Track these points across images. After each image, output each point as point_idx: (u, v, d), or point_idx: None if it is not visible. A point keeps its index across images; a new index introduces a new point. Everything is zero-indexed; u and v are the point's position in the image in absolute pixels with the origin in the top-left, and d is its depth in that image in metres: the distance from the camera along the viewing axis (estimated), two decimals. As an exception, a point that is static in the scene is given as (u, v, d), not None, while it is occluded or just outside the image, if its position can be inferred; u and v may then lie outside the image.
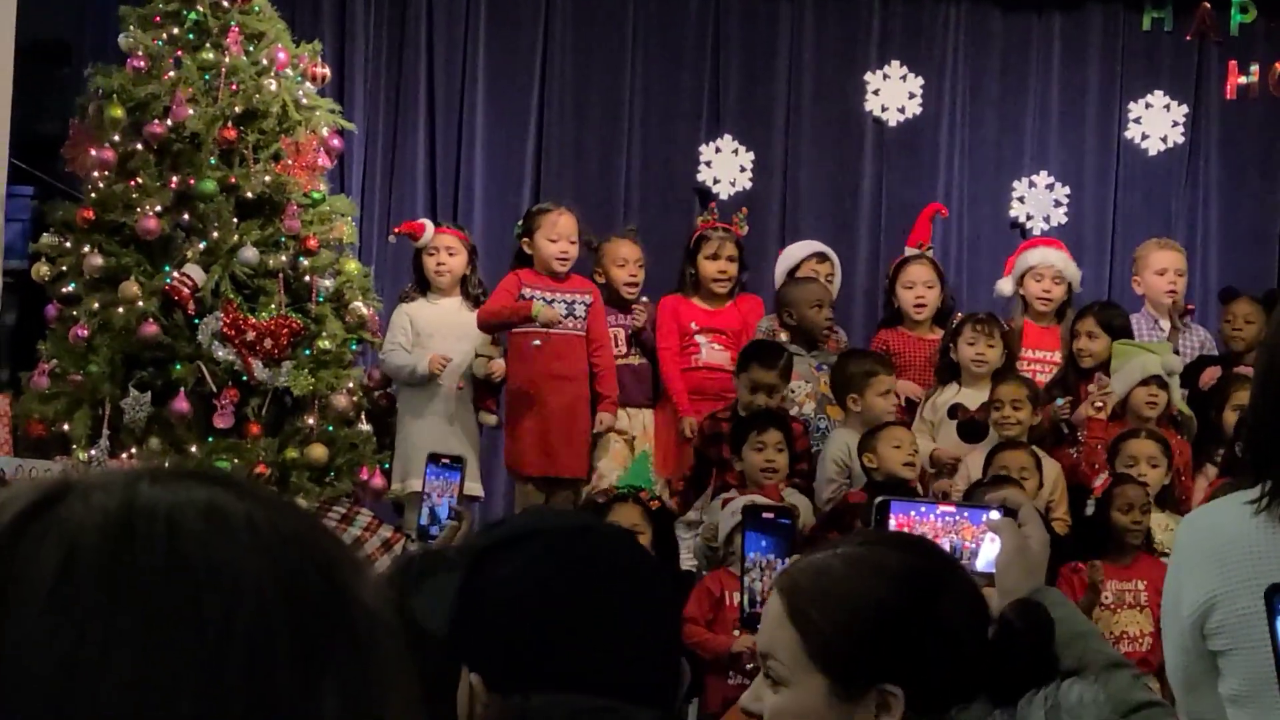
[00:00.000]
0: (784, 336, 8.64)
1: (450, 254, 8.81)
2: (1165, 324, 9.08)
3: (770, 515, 3.17)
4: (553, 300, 8.58)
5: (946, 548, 2.69)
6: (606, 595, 2.17)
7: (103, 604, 0.92)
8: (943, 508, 2.80)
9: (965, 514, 2.77)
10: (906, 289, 9.05)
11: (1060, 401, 8.28)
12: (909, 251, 9.32)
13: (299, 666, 0.94)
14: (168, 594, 0.93)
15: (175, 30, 8.59)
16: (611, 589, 2.18)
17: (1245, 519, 2.80)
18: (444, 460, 4.50)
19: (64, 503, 0.97)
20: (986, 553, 2.69)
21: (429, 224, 8.94)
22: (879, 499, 2.87)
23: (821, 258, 9.30)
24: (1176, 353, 8.65)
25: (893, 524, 2.78)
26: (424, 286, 8.84)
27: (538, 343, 8.57)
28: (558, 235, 8.71)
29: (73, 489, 0.98)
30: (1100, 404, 8.10)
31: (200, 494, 0.98)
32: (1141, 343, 8.48)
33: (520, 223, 8.97)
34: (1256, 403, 2.88)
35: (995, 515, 2.70)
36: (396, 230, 9.10)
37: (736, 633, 6.67)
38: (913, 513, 2.78)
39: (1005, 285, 9.31)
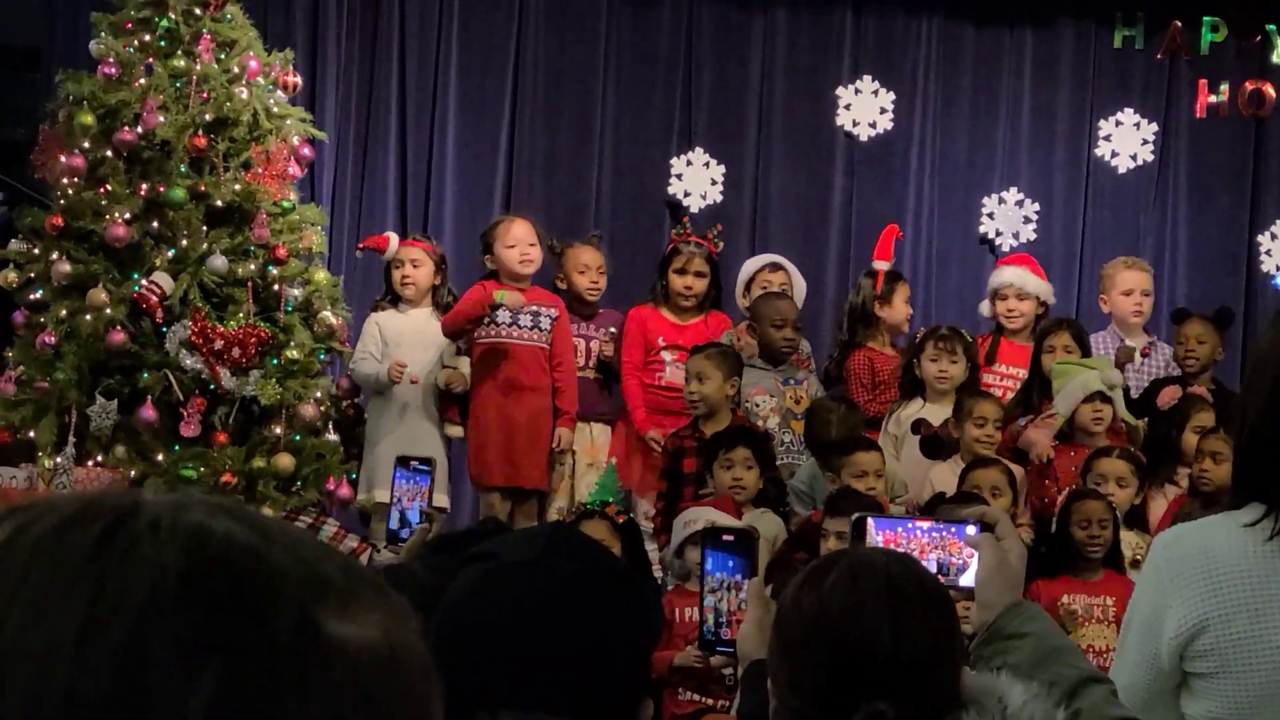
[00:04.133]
0: (743, 343, 8.63)
1: (415, 266, 8.80)
2: (1131, 343, 9.10)
3: (730, 538, 3.16)
4: (517, 313, 8.58)
5: (933, 565, 2.69)
6: (572, 616, 2.16)
7: (19, 573, 0.95)
8: (922, 524, 2.80)
9: (951, 530, 2.77)
10: (887, 304, 9.05)
11: (1022, 421, 8.28)
12: (879, 264, 9.26)
13: (182, 651, 0.94)
14: (76, 574, 0.95)
15: (146, 37, 8.56)
16: (578, 609, 2.17)
17: (1241, 542, 2.78)
18: (413, 463, 4.48)
19: (44, 503, 1.00)
20: (973, 568, 2.69)
21: (394, 237, 8.95)
22: (855, 516, 2.86)
23: (775, 267, 9.29)
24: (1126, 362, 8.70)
25: (878, 541, 2.77)
26: (396, 297, 8.84)
27: (510, 341, 8.56)
28: (514, 240, 8.71)
29: (61, 497, 1.02)
30: (1047, 457, 8.09)
31: (166, 506, 1.00)
32: (1080, 360, 8.49)
33: (481, 242, 8.93)
34: (1258, 425, 2.84)
35: (973, 531, 2.71)
36: (361, 245, 9.10)
37: (690, 649, 6.64)
38: (899, 529, 2.78)
39: (985, 306, 9.38)
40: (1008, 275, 9.22)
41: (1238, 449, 2.90)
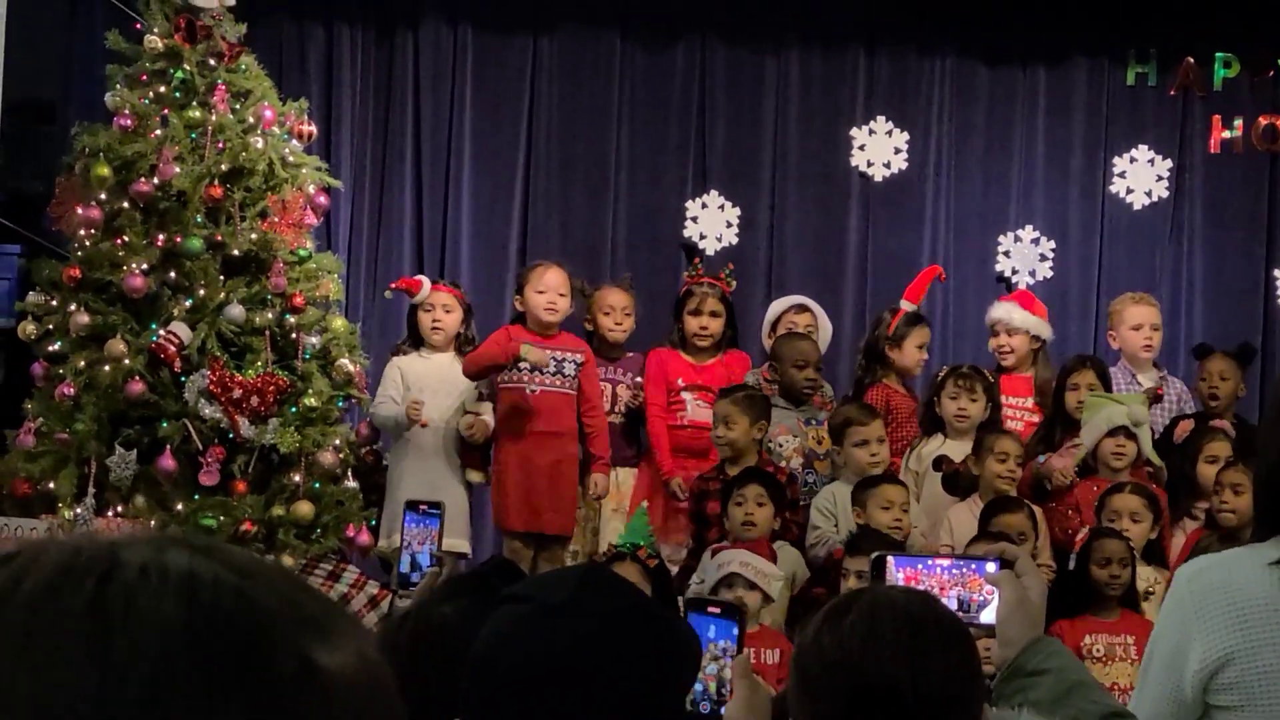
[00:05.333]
0: (763, 381, 8.66)
1: (446, 311, 8.82)
2: (1142, 378, 9.09)
3: (716, 610, 3.13)
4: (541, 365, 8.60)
5: (954, 602, 2.69)
6: (608, 657, 2.16)
7: (17, 640, 0.95)
8: (942, 561, 2.80)
9: (972, 566, 2.77)
10: (899, 347, 9.02)
11: (1042, 458, 8.28)
12: (907, 306, 9.24)
13: (200, 703, 0.95)
14: (78, 635, 0.95)
15: (162, 88, 8.60)
16: (613, 650, 2.16)
17: (1266, 576, 2.78)
18: (422, 507, 4.50)
19: (19, 558, 1.00)
20: (994, 605, 2.69)
21: (425, 280, 8.95)
22: (875, 554, 2.86)
23: (800, 309, 9.32)
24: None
25: (898, 579, 2.77)
26: (417, 341, 8.85)
27: (535, 389, 8.58)
28: (545, 287, 8.73)
29: (34, 547, 1.02)
30: (1067, 478, 8.10)
31: (148, 553, 1.00)
32: (1110, 395, 8.49)
33: (515, 283, 9.00)
34: (1278, 461, 2.84)
35: (993, 568, 2.70)
36: (393, 286, 9.10)
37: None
38: (919, 567, 2.78)
39: (992, 342, 9.40)
40: (997, 311, 9.25)
41: (1259, 483, 2.90)
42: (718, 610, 3.07)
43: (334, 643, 1.02)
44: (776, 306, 9.46)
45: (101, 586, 0.97)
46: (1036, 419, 8.86)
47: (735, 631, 2.97)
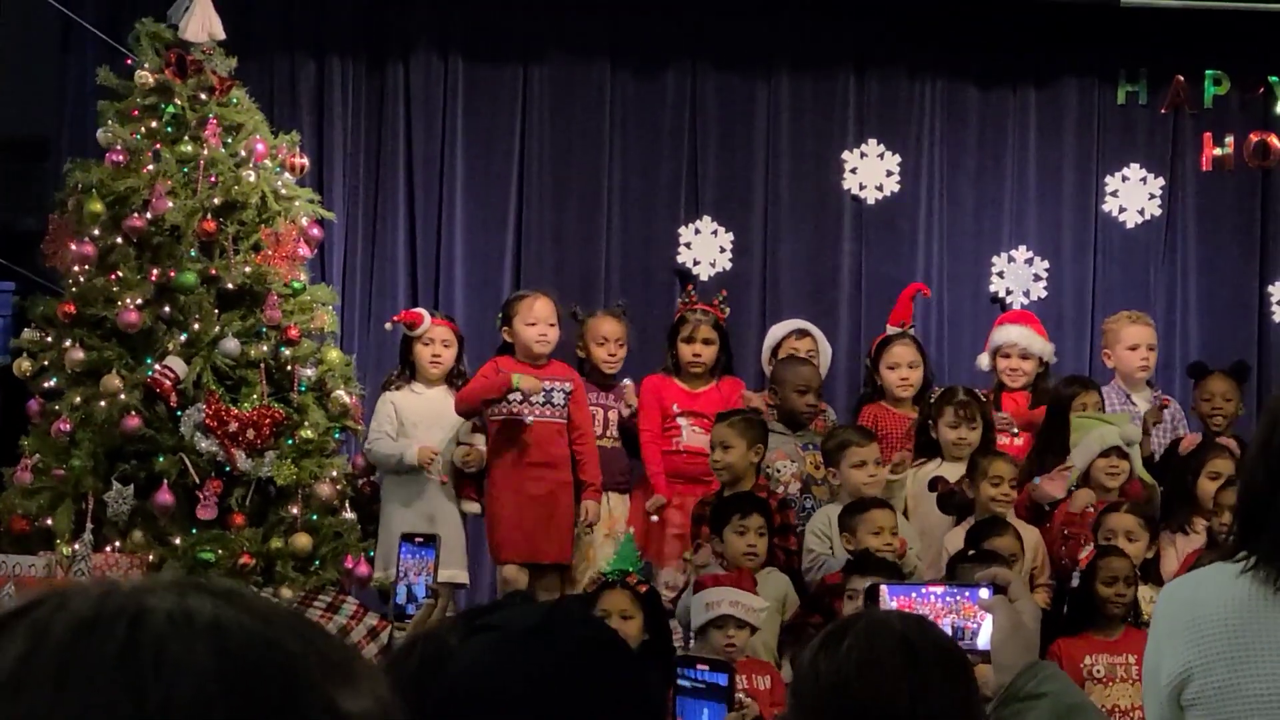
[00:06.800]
0: (764, 406, 8.67)
1: (445, 346, 8.83)
2: (1137, 398, 9.09)
3: (705, 666, 3.12)
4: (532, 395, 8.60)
5: (948, 629, 2.69)
6: (577, 687, 2.16)
7: (49, 690, 0.95)
8: (935, 589, 2.80)
9: (965, 593, 2.77)
10: (890, 369, 9.05)
11: (1038, 480, 8.27)
12: (891, 330, 9.31)
13: None
14: (113, 683, 0.95)
15: (153, 123, 8.61)
16: (582, 681, 2.17)
17: (1227, 592, 2.80)
18: (417, 539, 4.52)
19: (44, 605, 1.00)
20: (987, 631, 2.69)
21: (426, 314, 8.95)
22: (869, 584, 2.87)
23: (801, 333, 9.34)
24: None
25: (892, 606, 2.77)
26: (410, 374, 8.84)
27: (530, 419, 8.57)
28: (535, 318, 8.74)
29: (55, 595, 1.02)
30: (1080, 495, 8.11)
31: (171, 599, 1.01)
32: (1099, 415, 8.49)
33: (500, 313, 8.99)
34: (1250, 474, 2.87)
35: (986, 594, 2.71)
36: (395, 319, 9.10)
37: None
38: (913, 595, 2.78)
39: (983, 360, 9.40)
40: (1014, 335, 9.23)
41: (1239, 501, 2.94)
42: (706, 666, 3.06)
43: (357, 688, 1.03)
44: (777, 331, 9.48)
45: (132, 633, 0.98)
46: (1020, 441, 8.86)
47: (725, 686, 2.97)
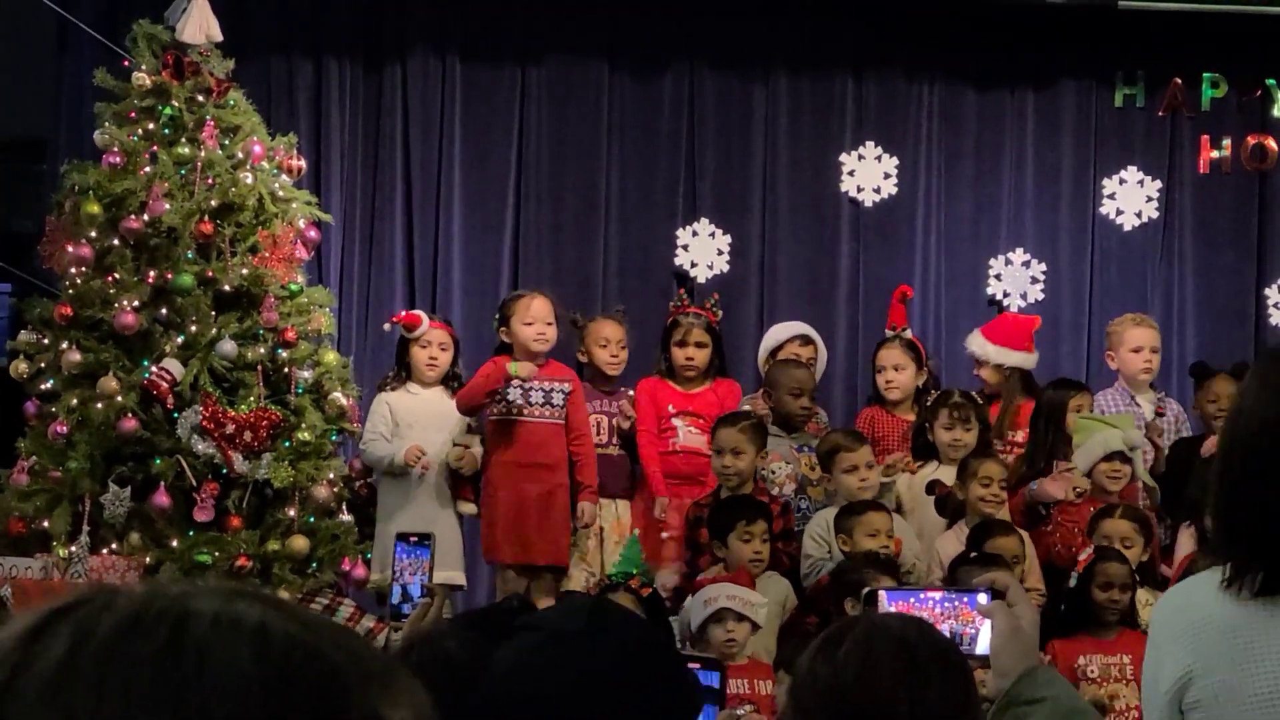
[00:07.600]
0: (763, 409, 8.68)
1: (442, 349, 8.84)
2: (1140, 399, 9.09)
3: (697, 665, 3.11)
4: (530, 389, 8.59)
5: (946, 633, 2.69)
6: (623, 686, 2.16)
7: (93, 689, 0.95)
8: (933, 594, 2.80)
9: (964, 598, 2.76)
10: (878, 372, 9.12)
11: (1034, 485, 8.27)
12: (887, 334, 9.36)
13: None
14: (155, 684, 0.95)
15: (150, 125, 8.60)
16: (628, 680, 2.17)
17: (1220, 595, 2.81)
18: (413, 538, 4.52)
19: (90, 603, 1.01)
20: (985, 636, 2.69)
21: (425, 317, 8.95)
22: (866, 590, 2.86)
23: (804, 340, 9.34)
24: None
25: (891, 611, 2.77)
26: (406, 375, 8.84)
27: (529, 419, 8.59)
28: (532, 318, 8.74)
29: (103, 593, 1.02)
30: (1081, 490, 8.12)
31: (215, 603, 1.01)
32: (1102, 417, 8.49)
33: (497, 314, 8.99)
34: (1224, 480, 2.87)
35: (984, 598, 2.70)
36: (394, 320, 9.09)
37: None
38: (911, 600, 2.78)
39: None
40: (973, 343, 9.31)
41: (1217, 507, 2.94)
42: (699, 665, 3.06)
43: (397, 699, 1.03)
44: (779, 333, 9.46)
45: (175, 636, 0.98)
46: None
47: (717, 686, 2.97)
